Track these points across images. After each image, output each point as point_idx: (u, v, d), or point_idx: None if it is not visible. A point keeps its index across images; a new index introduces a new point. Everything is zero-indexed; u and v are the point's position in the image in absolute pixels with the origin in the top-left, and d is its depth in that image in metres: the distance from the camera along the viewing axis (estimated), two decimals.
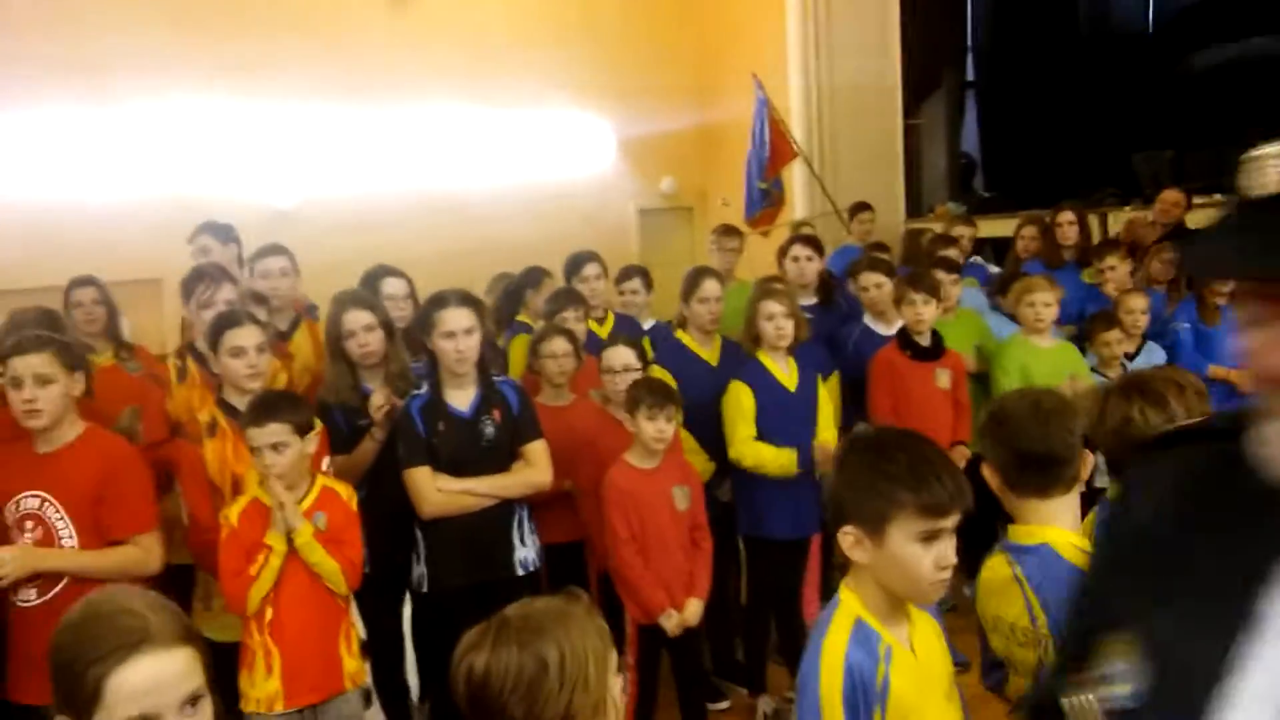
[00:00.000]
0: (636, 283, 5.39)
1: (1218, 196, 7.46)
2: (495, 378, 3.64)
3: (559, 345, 4.07)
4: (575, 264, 5.15)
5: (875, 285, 4.94)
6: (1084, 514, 2.26)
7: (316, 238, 6.43)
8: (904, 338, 4.63)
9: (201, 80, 7.32)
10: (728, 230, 5.96)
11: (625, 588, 3.65)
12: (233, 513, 2.99)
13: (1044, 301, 4.77)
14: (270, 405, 3.04)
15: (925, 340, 4.61)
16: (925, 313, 4.56)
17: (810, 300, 5.11)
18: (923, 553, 1.84)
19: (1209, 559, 1.08)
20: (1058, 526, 2.12)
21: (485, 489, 3.46)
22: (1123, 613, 1.15)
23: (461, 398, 3.53)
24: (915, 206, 9.53)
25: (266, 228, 5.57)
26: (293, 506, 2.96)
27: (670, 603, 3.59)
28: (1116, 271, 5.67)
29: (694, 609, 3.64)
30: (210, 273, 3.84)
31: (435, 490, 3.43)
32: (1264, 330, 1.03)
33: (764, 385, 4.08)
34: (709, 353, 4.40)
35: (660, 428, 3.57)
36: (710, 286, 4.32)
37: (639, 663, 3.70)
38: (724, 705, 4.38)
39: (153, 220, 6.73)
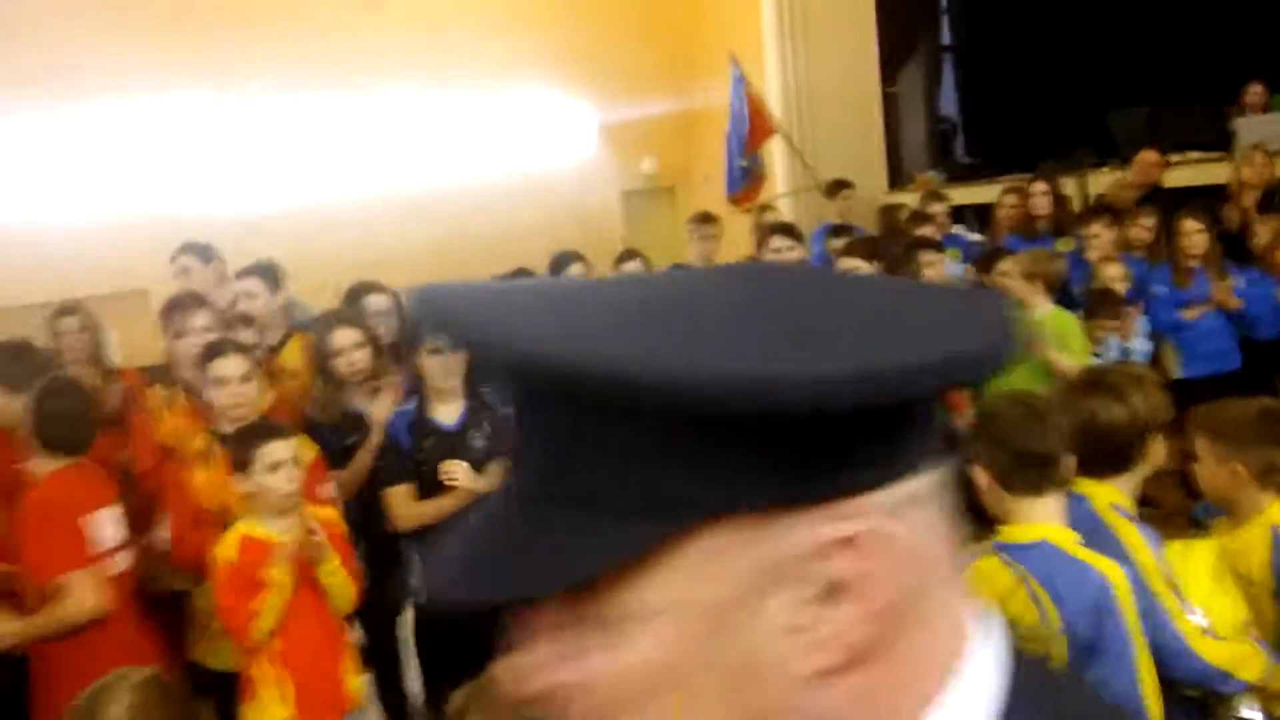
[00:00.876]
0: (636, 264, 5.31)
1: (1193, 154, 7.46)
2: (483, 387, 3.63)
3: None
4: (559, 264, 5.11)
5: (850, 268, 4.91)
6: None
7: (298, 242, 6.39)
8: None
9: (172, 84, 7.21)
10: (704, 217, 5.93)
11: None
12: (228, 547, 2.97)
13: (1005, 270, 4.71)
14: (263, 427, 3.04)
15: None
16: None
17: None
18: None
19: None
20: (1052, 524, 2.13)
21: (452, 503, 3.42)
22: None
23: (448, 412, 3.52)
24: (896, 175, 9.47)
25: (246, 235, 5.54)
26: (323, 538, 2.95)
27: None
28: (1100, 239, 5.61)
29: None
30: (183, 301, 3.82)
31: (406, 511, 3.44)
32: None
33: None
34: None
35: None
36: None
37: None
38: None
39: (134, 231, 6.66)
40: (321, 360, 3.74)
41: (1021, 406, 2.18)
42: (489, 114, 8.55)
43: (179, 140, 7.33)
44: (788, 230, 5.21)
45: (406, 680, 3.95)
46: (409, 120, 8.17)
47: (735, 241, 6.99)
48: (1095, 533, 2.20)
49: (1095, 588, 2.01)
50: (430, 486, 3.44)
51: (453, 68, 8.27)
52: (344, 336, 3.71)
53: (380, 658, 3.90)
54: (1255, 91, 7.67)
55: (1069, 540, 2.11)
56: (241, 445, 2.98)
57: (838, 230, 6.14)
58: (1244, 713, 2.27)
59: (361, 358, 3.70)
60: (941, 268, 5.22)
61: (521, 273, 5.29)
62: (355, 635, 3.82)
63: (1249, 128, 7.18)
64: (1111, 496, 2.26)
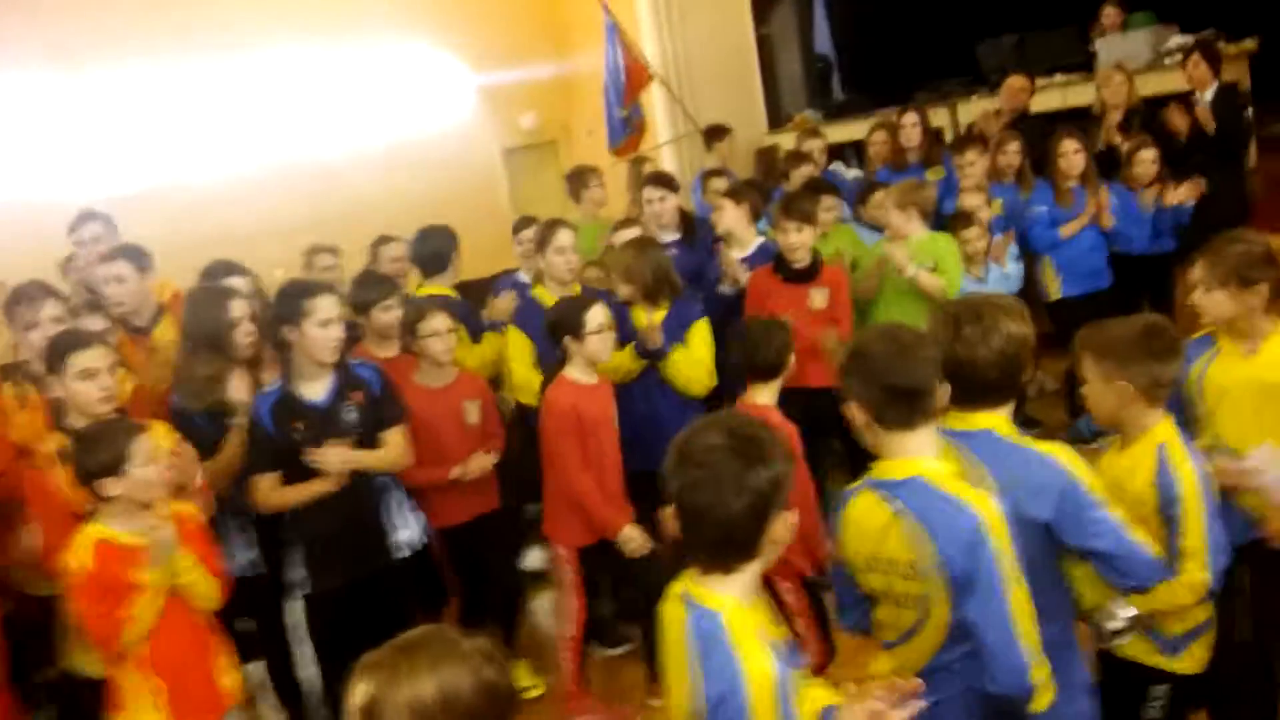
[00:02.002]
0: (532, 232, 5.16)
1: (1059, 78, 7.54)
2: (351, 361, 3.47)
3: (440, 321, 3.86)
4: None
5: (716, 208, 4.86)
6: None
7: (164, 221, 6.06)
8: (780, 261, 4.54)
9: (12, 62, 6.75)
10: (585, 170, 5.80)
11: (581, 511, 3.61)
12: (83, 554, 2.74)
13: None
14: (121, 425, 2.84)
15: (801, 262, 4.51)
16: (799, 239, 4.46)
17: (672, 237, 5.00)
18: None
19: None
20: (925, 457, 2.11)
21: (322, 487, 3.29)
22: None
23: (315, 388, 3.34)
24: (776, 117, 9.42)
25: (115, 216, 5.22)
26: (172, 538, 2.73)
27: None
28: (975, 167, 5.65)
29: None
30: (29, 292, 3.57)
31: (271, 499, 3.32)
32: None
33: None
34: None
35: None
36: (563, 237, 4.17)
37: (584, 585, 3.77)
38: (624, 649, 4.33)
39: None
40: (212, 337, 3.51)
41: (890, 341, 2.13)
42: (361, 75, 8.22)
43: (29, 124, 6.88)
44: (661, 180, 5.10)
45: (300, 667, 3.81)
46: (278, 85, 7.79)
47: (615, 193, 6.86)
48: (1019, 455, 2.18)
49: (968, 522, 1.99)
50: (306, 468, 3.27)
51: (321, 27, 7.91)
52: (240, 307, 3.58)
53: (272, 646, 3.76)
54: (1110, 13, 7.77)
55: (943, 475, 2.09)
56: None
57: (715, 174, 6.04)
58: (1120, 612, 2.30)
59: (253, 330, 3.58)
60: (833, 215, 5.21)
61: (383, 240, 5.10)
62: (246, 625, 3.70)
63: (1108, 48, 7.27)
64: (995, 424, 2.21)
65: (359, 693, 1.45)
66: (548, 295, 4.26)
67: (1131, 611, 2.29)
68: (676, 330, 4.10)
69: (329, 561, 3.33)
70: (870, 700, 1.77)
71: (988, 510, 2.00)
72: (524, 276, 4.85)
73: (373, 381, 3.45)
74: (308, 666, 3.75)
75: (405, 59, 8.45)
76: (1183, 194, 5.30)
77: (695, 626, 1.76)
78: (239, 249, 4.67)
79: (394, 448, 3.46)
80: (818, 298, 4.48)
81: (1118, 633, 2.31)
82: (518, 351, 4.26)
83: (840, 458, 4.51)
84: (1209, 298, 2.75)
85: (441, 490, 3.79)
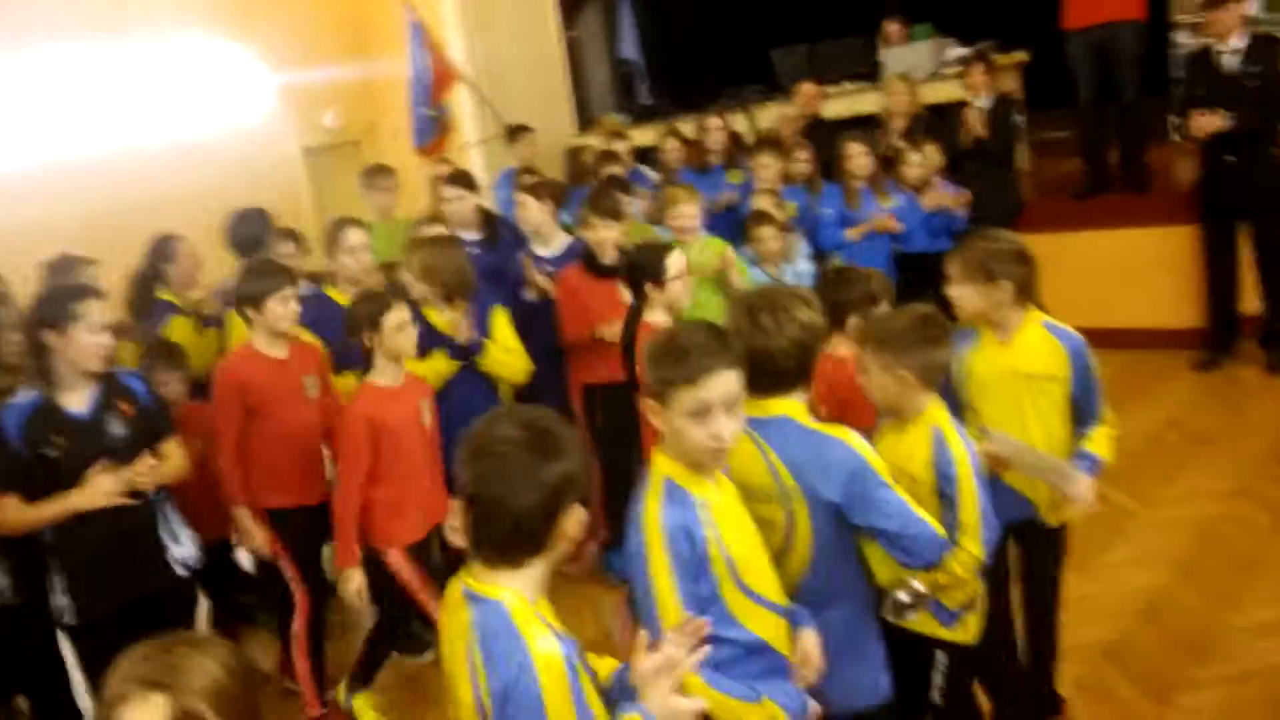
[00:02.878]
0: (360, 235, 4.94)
1: (849, 86, 7.82)
2: (116, 370, 3.21)
3: (405, 313, 3.62)
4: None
5: (520, 205, 4.80)
6: None
7: None
8: (590, 259, 4.50)
9: None
10: (378, 169, 5.62)
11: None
12: None
13: (684, 213, 4.76)
14: None
15: (611, 258, 4.47)
16: (606, 235, 4.44)
17: (474, 236, 4.91)
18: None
19: None
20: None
21: (80, 503, 3.00)
22: None
23: (77, 399, 3.07)
24: (584, 120, 9.41)
25: None
26: None
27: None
28: (769, 170, 5.84)
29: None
30: None
31: (13, 517, 3.00)
32: None
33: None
34: None
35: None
36: (354, 236, 4.02)
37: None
38: (430, 657, 4.22)
39: None
40: None
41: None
42: (150, 70, 7.72)
43: None
44: (458, 179, 4.99)
45: (79, 697, 3.52)
46: (59, 80, 7.23)
47: (420, 194, 6.71)
48: (812, 438, 2.23)
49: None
50: (66, 485, 2.99)
51: (111, 20, 7.39)
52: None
53: (42, 679, 3.45)
54: (893, 26, 8.14)
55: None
56: None
57: (525, 172, 5.99)
58: (910, 588, 2.36)
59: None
60: (639, 208, 5.24)
61: (163, 243, 4.76)
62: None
63: (893, 58, 7.59)
64: (791, 410, 2.24)
65: (154, 706, 1.39)
66: (340, 296, 4.09)
67: (920, 588, 2.36)
68: (478, 327, 4.03)
69: (97, 586, 3.07)
70: (662, 649, 1.77)
71: (851, 439, 2.21)
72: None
73: (140, 392, 3.20)
74: (83, 697, 3.48)
75: (198, 54, 7.99)
76: (948, 201, 5.58)
77: (478, 619, 1.69)
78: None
79: (174, 459, 3.24)
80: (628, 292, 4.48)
81: (907, 608, 2.38)
82: None
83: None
84: (960, 292, 2.88)
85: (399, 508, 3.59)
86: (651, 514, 1.99)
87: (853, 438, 2.23)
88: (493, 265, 4.69)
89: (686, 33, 10.08)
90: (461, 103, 8.39)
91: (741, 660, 2.03)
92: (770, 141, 6.29)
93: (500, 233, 5.02)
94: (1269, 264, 5.69)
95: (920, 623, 2.47)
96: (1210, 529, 4.26)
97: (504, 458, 1.70)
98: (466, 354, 3.99)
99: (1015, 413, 2.79)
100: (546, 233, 4.82)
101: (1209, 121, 5.41)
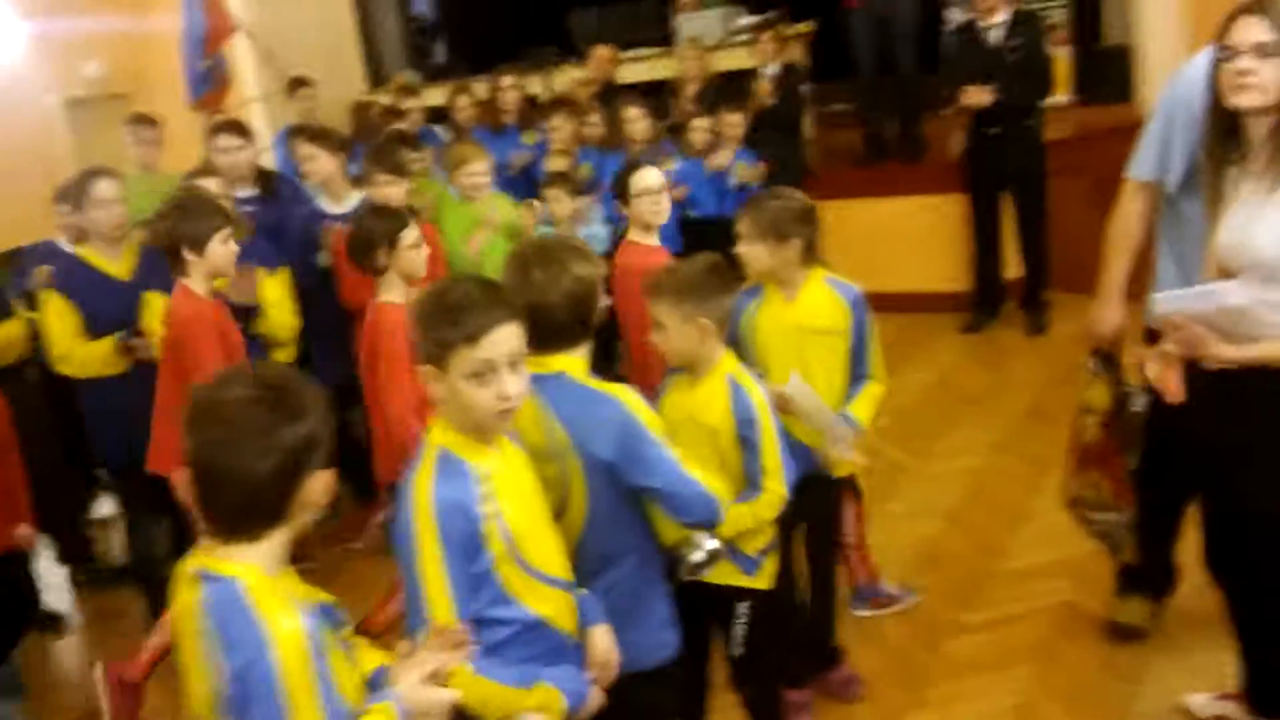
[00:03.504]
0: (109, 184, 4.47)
1: (644, 51, 7.81)
2: None
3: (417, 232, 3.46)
4: None
5: (309, 158, 4.51)
6: None
7: None
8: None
9: None
10: (140, 119, 5.18)
11: None
12: None
13: (476, 170, 4.61)
14: None
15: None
16: (390, 191, 4.19)
17: (250, 192, 4.59)
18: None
19: None
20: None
21: None
22: None
23: None
24: (377, 78, 9.03)
25: None
26: None
27: None
28: (562, 131, 5.77)
29: None
30: None
31: None
32: None
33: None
34: (118, 266, 3.76)
35: None
36: (103, 188, 3.65)
37: None
38: None
39: None
40: None
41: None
42: None
43: None
44: (234, 128, 4.65)
45: None
46: None
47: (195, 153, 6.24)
48: (586, 395, 2.16)
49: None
50: None
51: None
52: None
53: None
54: None
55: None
56: None
57: (303, 128, 5.65)
58: (704, 544, 2.35)
59: None
60: (427, 165, 5.04)
61: None
62: None
63: (687, 25, 7.63)
64: (569, 366, 2.16)
65: None
66: (95, 256, 3.72)
67: (713, 543, 2.35)
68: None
69: None
70: (421, 654, 1.69)
71: (626, 396, 2.15)
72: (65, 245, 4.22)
73: None
74: None
75: None
76: (747, 175, 5.65)
77: (211, 598, 1.53)
78: None
79: None
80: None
81: (701, 564, 2.36)
82: (58, 319, 3.69)
83: None
84: (750, 250, 2.89)
85: None
86: (422, 491, 1.85)
87: (628, 395, 2.18)
88: (271, 222, 4.39)
89: None
90: (242, 56, 7.87)
91: (520, 640, 1.94)
92: (564, 102, 6.20)
93: (279, 188, 4.71)
94: (1028, 232, 6.04)
95: (721, 574, 2.46)
96: (977, 481, 4.48)
97: (232, 422, 1.54)
98: (247, 314, 3.72)
99: (800, 368, 2.81)
100: (336, 188, 4.56)
101: (977, 94, 5.67)
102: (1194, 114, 2.51)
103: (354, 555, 4.43)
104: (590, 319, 2.22)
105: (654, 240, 3.57)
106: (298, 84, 6.63)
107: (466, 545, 1.84)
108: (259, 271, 3.89)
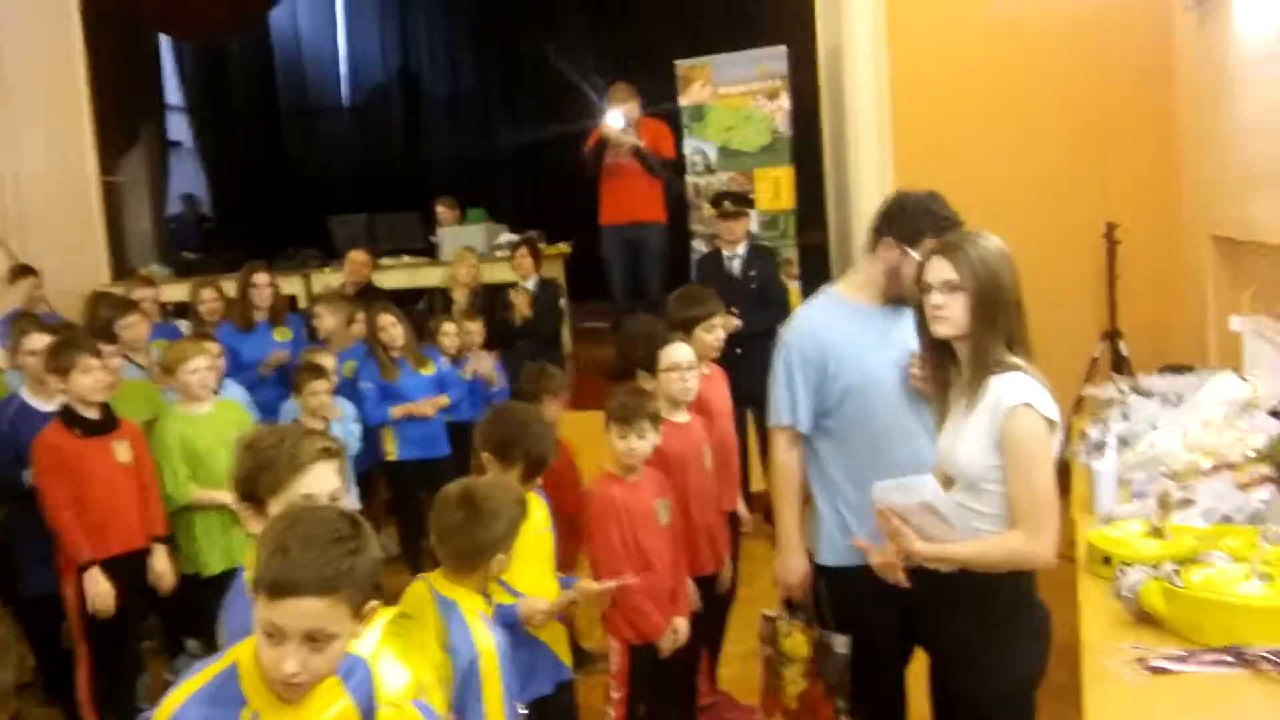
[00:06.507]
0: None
1: (405, 258, 7.95)
2: None
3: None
4: None
5: (30, 352, 4.19)
6: None
7: None
8: (69, 414, 3.87)
9: None
10: None
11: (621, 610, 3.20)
12: None
13: (201, 366, 4.24)
14: None
15: (94, 413, 3.90)
16: (86, 381, 3.83)
17: None
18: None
19: None
20: None
21: None
22: None
23: None
24: (123, 269, 8.63)
25: None
26: None
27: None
28: (324, 321, 5.80)
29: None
30: None
31: None
32: None
33: None
34: None
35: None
36: None
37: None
38: None
39: None
40: None
41: None
42: None
43: None
44: None
45: None
46: None
47: None
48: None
49: None
50: None
51: None
52: None
53: None
54: (443, 208, 8.49)
55: None
56: None
57: (24, 316, 5.29)
58: None
59: None
60: (119, 361, 4.71)
61: None
62: None
63: (448, 237, 7.88)
64: None
65: None
66: None
67: None
68: None
69: None
70: None
71: None
72: None
73: None
74: None
75: None
76: (489, 374, 5.78)
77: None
78: None
79: None
80: (122, 450, 3.95)
81: None
82: None
83: None
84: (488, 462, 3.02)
85: None
86: None
87: None
88: None
89: (243, 192, 9.78)
90: None
91: None
92: (327, 297, 6.18)
93: None
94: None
95: None
96: None
97: None
98: None
99: None
100: (49, 382, 4.18)
101: (726, 321, 6.04)
102: (805, 356, 2.86)
103: None
104: None
105: (684, 417, 3.60)
106: (21, 272, 6.27)
107: None
108: None
